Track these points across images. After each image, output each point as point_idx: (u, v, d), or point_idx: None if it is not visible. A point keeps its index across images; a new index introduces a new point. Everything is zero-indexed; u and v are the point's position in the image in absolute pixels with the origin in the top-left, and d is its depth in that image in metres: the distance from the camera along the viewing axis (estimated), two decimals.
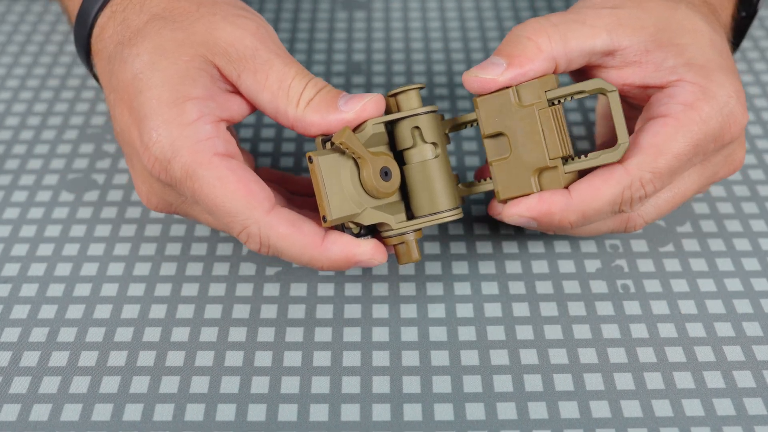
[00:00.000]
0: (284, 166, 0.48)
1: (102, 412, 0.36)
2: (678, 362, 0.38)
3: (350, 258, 0.36)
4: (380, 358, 0.38)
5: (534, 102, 0.36)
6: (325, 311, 0.40)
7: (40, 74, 0.56)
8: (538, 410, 0.36)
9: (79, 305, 0.40)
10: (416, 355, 0.38)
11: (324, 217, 0.36)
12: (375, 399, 0.36)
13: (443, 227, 0.44)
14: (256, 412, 0.36)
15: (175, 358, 0.38)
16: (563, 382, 0.37)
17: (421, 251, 0.43)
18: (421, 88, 0.38)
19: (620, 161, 0.36)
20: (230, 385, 0.37)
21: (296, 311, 0.40)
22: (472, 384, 0.37)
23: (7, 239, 0.44)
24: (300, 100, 0.36)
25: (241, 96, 0.38)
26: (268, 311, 0.40)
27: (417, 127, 0.37)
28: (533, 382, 0.37)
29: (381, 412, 0.36)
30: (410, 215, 0.39)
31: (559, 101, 0.37)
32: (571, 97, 0.37)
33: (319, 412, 0.36)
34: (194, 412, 0.36)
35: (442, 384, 0.37)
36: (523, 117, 0.36)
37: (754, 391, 0.36)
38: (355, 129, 0.37)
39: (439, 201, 0.37)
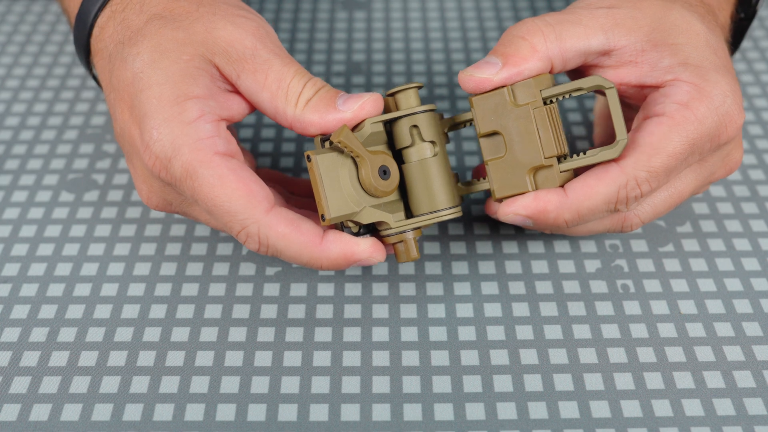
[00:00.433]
0: (284, 166, 0.48)
1: (102, 412, 0.36)
2: (678, 362, 0.38)
3: (349, 257, 0.36)
4: (380, 358, 0.38)
5: (529, 101, 0.36)
6: (325, 311, 0.40)
7: (40, 74, 0.56)
8: (538, 410, 0.36)
9: (79, 305, 0.40)
10: (416, 355, 0.38)
11: (322, 216, 0.36)
12: (375, 399, 0.36)
13: (443, 227, 0.44)
14: (256, 412, 0.36)
15: (175, 358, 0.38)
16: (563, 382, 0.37)
17: (420, 251, 0.43)
18: (419, 87, 0.38)
19: (615, 160, 0.36)
20: (230, 385, 0.37)
21: (296, 311, 0.40)
22: (472, 384, 0.37)
23: (7, 239, 0.44)
24: (299, 100, 0.37)
25: (241, 95, 0.38)
26: (268, 311, 0.40)
27: (415, 126, 0.37)
28: (533, 382, 0.37)
29: (381, 412, 0.36)
30: (409, 214, 0.39)
31: (554, 100, 0.37)
32: (569, 95, 0.37)
33: (319, 412, 0.36)
34: (194, 412, 0.36)
35: (442, 384, 0.37)
36: (519, 116, 0.37)
37: (754, 391, 0.36)
38: (354, 128, 0.37)
39: (438, 199, 0.37)
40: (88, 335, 0.39)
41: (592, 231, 0.40)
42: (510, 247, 0.43)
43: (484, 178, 0.39)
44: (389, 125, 0.38)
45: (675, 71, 0.37)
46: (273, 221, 0.35)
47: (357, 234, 0.37)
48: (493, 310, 0.40)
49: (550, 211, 0.36)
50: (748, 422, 0.35)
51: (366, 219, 0.36)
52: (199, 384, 0.37)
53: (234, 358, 0.38)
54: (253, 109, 0.39)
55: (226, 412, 0.36)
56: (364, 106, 0.36)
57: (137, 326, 0.39)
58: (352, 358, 0.38)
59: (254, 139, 0.50)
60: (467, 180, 0.44)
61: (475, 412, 0.36)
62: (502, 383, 0.37)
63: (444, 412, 0.36)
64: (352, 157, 0.36)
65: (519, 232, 0.44)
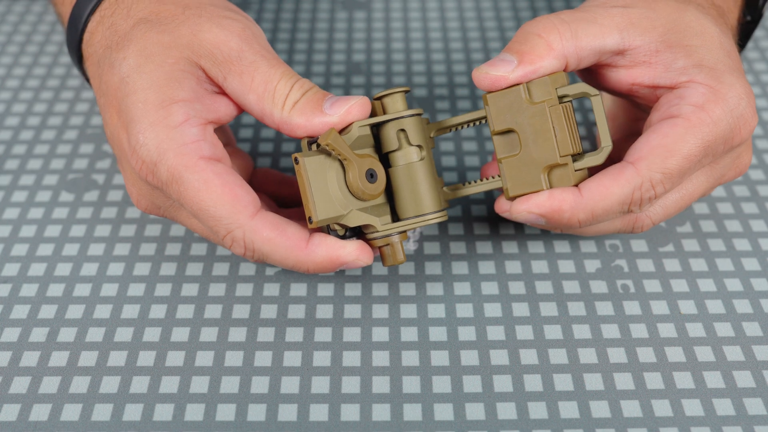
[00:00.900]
0: (284, 166, 0.48)
1: (102, 412, 0.36)
2: (678, 362, 0.38)
3: (335, 260, 0.36)
4: (380, 358, 0.38)
5: (545, 99, 0.36)
6: (325, 311, 0.40)
7: (40, 74, 0.56)
8: (538, 410, 0.36)
9: (79, 305, 0.40)
10: (416, 355, 0.38)
11: (309, 219, 0.36)
12: (375, 399, 0.36)
13: (443, 227, 0.44)
14: (256, 412, 0.36)
15: (175, 358, 0.38)
16: (563, 382, 0.37)
17: (420, 251, 0.43)
18: (406, 92, 0.38)
19: (631, 161, 0.36)
20: (230, 385, 0.37)
21: (296, 311, 0.40)
22: (472, 384, 0.37)
23: (7, 239, 0.44)
24: (285, 102, 0.36)
25: (228, 97, 0.38)
26: (268, 311, 0.40)
27: (402, 130, 0.38)
28: (533, 382, 0.37)
29: (381, 412, 0.36)
30: (395, 217, 0.39)
31: (568, 99, 0.37)
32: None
33: (319, 412, 0.36)
34: (194, 412, 0.36)
35: (442, 384, 0.37)
36: (534, 114, 0.36)
37: (754, 391, 0.36)
38: (342, 131, 0.37)
39: (424, 203, 0.37)
40: (88, 335, 0.39)
41: (603, 231, 0.40)
42: (510, 247, 0.43)
43: (494, 177, 0.39)
44: (376, 129, 0.38)
45: (689, 73, 0.37)
46: (258, 225, 0.35)
47: (343, 237, 0.37)
48: (493, 310, 0.40)
49: (564, 211, 0.36)
50: (748, 422, 0.35)
51: (353, 222, 0.36)
52: (199, 384, 0.37)
53: (234, 358, 0.38)
54: (241, 110, 0.39)
55: (226, 412, 0.36)
56: (351, 110, 0.36)
57: (137, 326, 0.39)
58: (352, 358, 0.38)
59: (254, 139, 0.50)
60: (453, 183, 0.44)
61: (475, 412, 0.36)
62: (502, 383, 0.37)
63: (444, 412, 0.36)
64: (340, 160, 0.37)
65: (519, 232, 0.44)
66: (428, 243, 0.43)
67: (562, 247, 0.43)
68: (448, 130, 0.39)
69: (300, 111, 0.36)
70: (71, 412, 0.36)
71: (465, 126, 0.39)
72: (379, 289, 0.41)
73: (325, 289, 0.41)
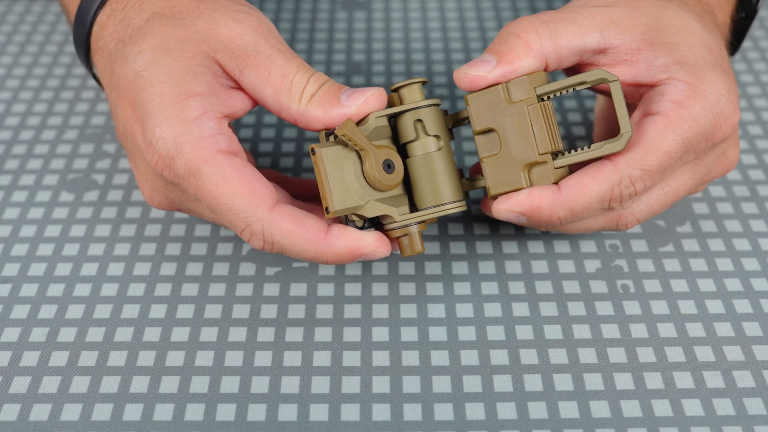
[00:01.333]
0: (284, 166, 0.48)
1: (102, 412, 0.36)
2: (678, 362, 0.38)
3: (354, 251, 0.36)
4: (380, 358, 0.38)
5: (523, 98, 0.36)
6: (325, 311, 0.40)
7: (40, 74, 0.56)
8: (538, 410, 0.36)
9: (79, 305, 0.40)
10: (416, 355, 0.38)
11: (327, 209, 0.36)
12: (375, 399, 0.36)
13: (443, 227, 0.44)
14: (256, 412, 0.36)
15: (175, 358, 0.38)
16: (563, 382, 0.37)
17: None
18: (424, 83, 0.38)
19: (608, 157, 0.36)
20: (230, 385, 0.37)
21: (296, 311, 0.40)
22: (472, 384, 0.37)
23: (7, 239, 0.44)
24: (303, 95, 0.37)
25: (243, 91, 0.38)
26: (268, 311, 0.40)
27: (419, 120, 0.37)
28: (533, 382, 0.37)
29: (381, 412, 0.36)
30: (414, 208, 0.39)
31: (550, 97, 0.37)
32: (573, 89, 0.37)
33: (319, 412, 0.36)
34: (194, 412, 0.36)
35: (442, 384, 0.37)
36: (513, 113, 0.37)
37: (754, 391, 0.36)
38: (358, 123, 0.37)
39: (442, 193, 0.37)
40: (88, 335, 0.39)
41: (587, 229, 0.40)
42: (510, 247, 0.43)
43: (481, 176, 0.39)
44: (394, 120, 0.38)
45: (670, 70, 0.37)
46: (277, 218, 0.35)
47: (361, 228, 0.37)
48: (493, 310, 0.40)
49: (544, 209, 0.36)
50: (748, 422, 0.35)
51: (370, 212, 0.36)
52: (199, 384, 0.37)
53: (234, 358, 0.38)
54: (256, 104, 0.39)
55: (226, 412, 0.36)
56: (369, 101, 0.36)
57: (137, 326, 0.39)
58: (352, 358, 0.38)
59: (254, 139, 0.50)
60: (471, 177, 0.44)
61: (475, 412, 0.36)
62: (502, 383, 0.37)
63: (444, 412, 0.36)
64: (357, 151, 0.36)
65: (519, 232, 0.44)
66: (428, 243, 0.43)
67: (562, 247, 0.43)
68: (466, 122, 0.39)
69: (317, 103, 0.37)
70: (71, 412, 0.36)
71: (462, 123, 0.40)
72: (379, 289, 0.41)
73: (325, 289, 0.41)
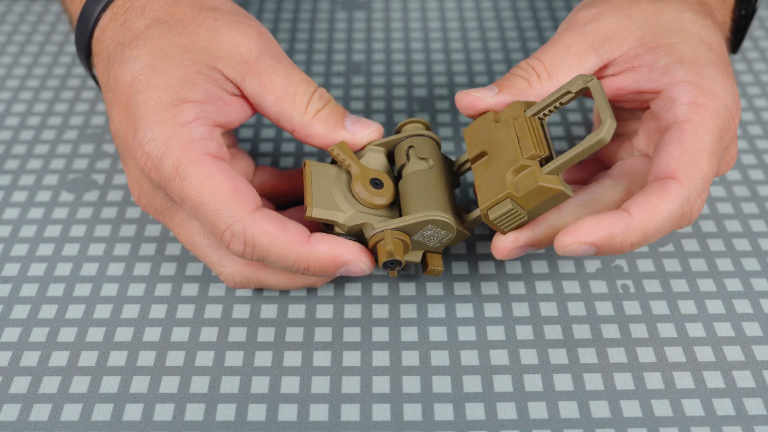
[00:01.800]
0: (284, 166, 0.48)
1: (102, 412, 0.36)
2: (678, 362, 0.38)
3: (337, 256, 0.36)
4: (380, 358, 0.38)
5: (511, 116, 0.37)
6: (325, 311, 0.40)
7: (40, 74, 0.56)
8: (537, 410, 0.36)
9: (79, 305, 0.40)
10: (416, 355, 0.38)
11: (306, 211, 0.36)
12: (375, 399, 0.36)
13: None
14: (256, 412, 0.36)
15: (175, 358, 0.38)
16: (563, 382, 0.37)
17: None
18: (426, 126, 0.40)
19: (671, 175, 0.34)
20: (230, 385, 0.37)
21: (296, 311, 0.40)
22: (472, 384, 0.37)
23: (7, 239, 0.44)
24: (307, 109, 0.37)
25: (243, 99, 0.38)
26: (268, 311, 0.40)
27: (412, 146, 0.38)
28: (533, 382, 0.37)
29: (381, 412, 0.36)
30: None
31: (542, 117, 0.37)
32: (560, 103, 0.36)
33: (319, 412, 0.36)
34: (194, 412, 0.36)
35: (442, 384, 0.37)
36: (500, 128, 0.37)
37: (754, 391, 0.36)
38: (356, 153, 0.39)
39: (426, 204, 0.36)
40: (88, 335, 0.39)
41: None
42: None
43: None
44: (391, 155, 0.40)
45: (671, 70, 0.37)
46: (258, 219, 0.35)
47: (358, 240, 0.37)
48: (493, 310, 0.40)
49: (617, 235, 0.33)
50: (748, 422, 0.35)
51: (351, 221, 0.36)
52: (199, 384, 0.37)
53: (234, 358, 0.38)
54: (253, 114, 0.39)
55: (226, 412, 0.36)
56: (371, 135, 0.38)
57: (137, 326, 0.39)
58: (352, 358, 0.38)
59: (254, 139, 0.50)
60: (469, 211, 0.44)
61: (475, 412, 0.36)
62: (502, 383, 0.37)
63: (444, 412, 0.36)
64: (347, 171, 0.37)
65: None
66: None
67: None
68: (469, 166, 0.40)
69: (322, 121, 0.37)
70: (71, 412, 0.36)
71: (470, 168, 0.40)
72: (379, 289, 0.41)
73: (325, 289, 0.41)
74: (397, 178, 0.39)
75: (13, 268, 0.42)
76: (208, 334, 0.39)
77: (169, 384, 0.37)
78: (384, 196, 0.37)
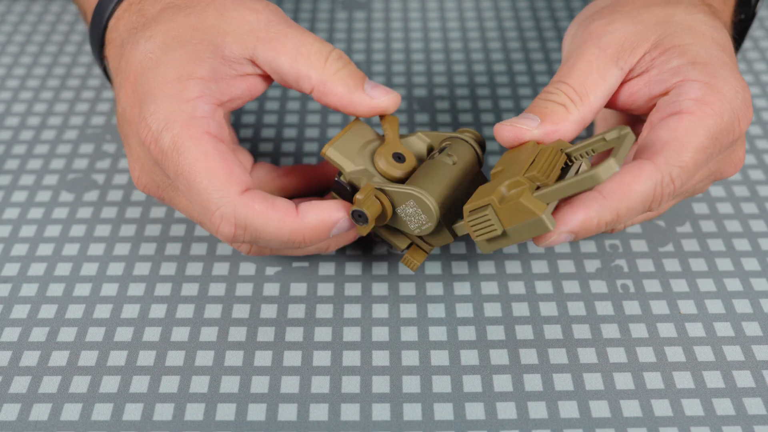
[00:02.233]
0: (284, 165, 0.48)
1: (102, 411, 0.36)
2: (677, 362, 0.38)
3: (328, 220, 0.36)
4: (380, 358, 0.38)
5: (544, 147, 0.36)
6: (325, 311, 0.40)
7: (40, 74, 0.56)
8: (537, 410, 0.36)
9: (79, 305, 0.40)
10: (416, 354, 0.38)
11: (325, 147, 0.37)
12: (375, 399, 0.36)
13: None
14: (256, 412, 0.36)
15: (175, 358, 0.38)
16: (563, 381, 0.37)
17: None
18: (475, 137, 0.40)
19: (647, 156, 0.35)
20: (230, 384, 0.37)
21: (296, 311, 0.40)
22: (472, 384, 0.37)
23: (7, 239, 0.44)
24: (326, 66, 0.37)
25: (254, 77, 0.38)
26: (268, 311, 0.40)
27: (449, 144, 0.39)
28: (533, 382, 0.37)
29: (381, 412, 0.36)
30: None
31: (573, 157, 0.36)
32: (592, 150, 0.36)
33: (319, 412, 0.36)
34: (194, 412, 0.36)
35: (442, 384, 0.37)
36: (525, 151, 0.36)
37: (754, 390, 0.36)
38: (382, 117, 0.39)
39: (423, 185, 0.36)
40: (88, 335, 0.39)
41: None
42: (510, 247, 0.43)
43: None
44: (432, 149, 0.40)
45: (683, 71, 0.37)
46: (247, 200, 0.35)
47: (352, 194, 0.37)
48: (493, 310, 0.40)
49: (592, 218, 0.34)
50: (748, 422, 0.35)
51: (356, 174, 0.37)
52: (199, 384, 0.37)
53: (234, 358, 0.38)
54: (262, 92, 0.39)
55: (226, 412, 0.36)
56: (389, 101, 0.38)
57: (137, 326, 0.39)
58: (352, 358, 0.38)
59: (254, 138, 0.50)
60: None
61: (475, 412, 0.36)
62: (502, 383, 0.37)
63: (444, 411, 0.36)
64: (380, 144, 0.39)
65: None
66: None
67: (562, 247, 0.43)
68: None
69: (342, 81, 0.37)
70: (71, 412, 0.36)
71: None
72: (379, 289, 0.41)
73: (325, 289, 0.41)
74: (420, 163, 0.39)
75: (13, 268, 0.42)
76: (208, 333, 0.39)
77: (169, 384, 0.37)
78: (400, 170, 0.37)
